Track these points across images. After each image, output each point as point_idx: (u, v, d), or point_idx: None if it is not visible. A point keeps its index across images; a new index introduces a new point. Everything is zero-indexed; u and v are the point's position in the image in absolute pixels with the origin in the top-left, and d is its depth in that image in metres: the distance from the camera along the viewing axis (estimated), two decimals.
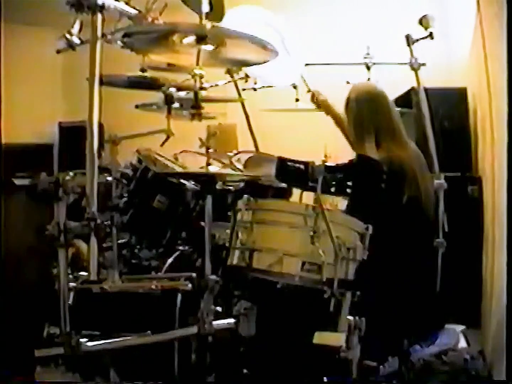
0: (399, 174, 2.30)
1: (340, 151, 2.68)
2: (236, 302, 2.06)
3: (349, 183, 1.92)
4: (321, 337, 1.80)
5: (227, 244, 1.99)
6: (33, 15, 4.18)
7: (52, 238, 1.63)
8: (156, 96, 2.45)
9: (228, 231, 1.99)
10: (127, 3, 1.83)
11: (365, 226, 1.92)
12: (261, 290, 2.02)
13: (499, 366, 2.07)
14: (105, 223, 1.68)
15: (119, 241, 2.18)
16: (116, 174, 2.24)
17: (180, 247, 2.37)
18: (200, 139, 2.06)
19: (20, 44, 4.29)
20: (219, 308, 1.92)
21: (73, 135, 4.06)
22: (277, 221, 1.87)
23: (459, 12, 3.36)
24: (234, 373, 1.98)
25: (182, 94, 2.38)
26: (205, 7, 1.90)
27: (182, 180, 2.39)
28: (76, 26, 1.71)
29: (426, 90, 2.58)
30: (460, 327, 2.58)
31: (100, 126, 1.67)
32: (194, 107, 2.05)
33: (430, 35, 2.45)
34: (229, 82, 3.06)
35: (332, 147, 2.22)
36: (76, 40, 1.72)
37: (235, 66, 2.68)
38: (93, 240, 1.63)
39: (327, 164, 1.90)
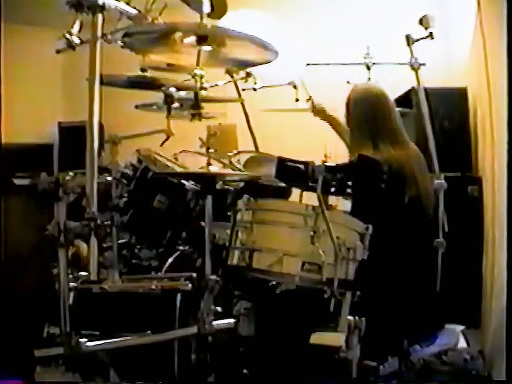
0: (399, 175, 2.30)
1: (340, 151, 2.68)
2: (236, 302, 2.06)
3: (349, 183, 1.92)
4: (321, 337, 1.80)
5: (227, 244, 1.99)
6: (33, 15, 4.18)
7: (52, 238, 1.63)
8: (156, 96, 2.45)
9: (228, 231, 1.98)
10: (127, 3, 1.83)
11: (365, 226, 1.92)
12: (261, 290, 2.02)
13: (499, 366, 2.07)
14: (105, 223, 1.68)
15: (119, 241, 2.17)
16: (116, 174, 2.24)
17: (180, 247, 2.37)
18: (201, 139, 2.06)
19: (20, 44, 4.29)
20: (219, 308, 1.92)
21: (73, 135, 4.06)
22: (277, 221, 1.87)
23: (459, 12, 3.36)
24: (234, 373, 1.98)
25: (182, 94, 2.38)
26: (206, 7, 1.90)
27: (182, 180, 2.39)
28: (76, 26, 1.71)
29: (426, 90, 2.58)
30: (460, 327, 2.58)
31: (100, 126, 1.67)
32: (194, 107, 2.06)
33: (430, 35, 2.45)
34: (229, 82, 3.06)
35: (332, 147, 2.23)
36: (76, 40, 1.72)
37: (235, 66, 2.68)
38: (93, 240, 1.63)
39: (327, 164, 1.89)
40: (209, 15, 1.90)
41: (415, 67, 2.51)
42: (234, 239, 1.93)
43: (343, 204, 2.40)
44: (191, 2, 2.13)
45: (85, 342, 1.67)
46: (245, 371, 1.97)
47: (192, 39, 1.92)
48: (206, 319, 1.86)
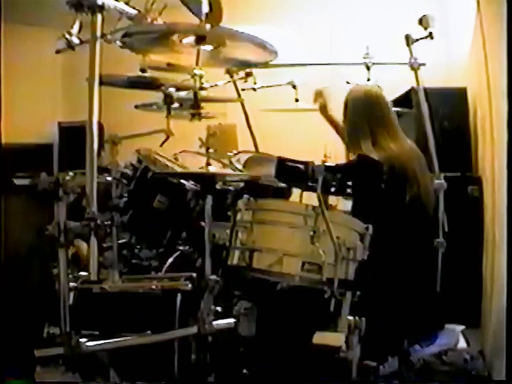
0: (399, 174, 2.29)
1: (340, 151, 2.68)
2: (236, 302, 2.06)
3: (349, 183, 1.92)
4: (321, 337, 1.80)
5: (227, 244, 1.99)
6: (33, 15, 4.18)
7: (52, 238, 1.63)
8: (156, 96, 2.45)
9: (228, 231, 1.98)
10: (126, 3, 1.83)
11: (365, 226, 1.91)
12: (261, 290, 2.02)
13: (499, 366, 2.08)
14: (105, 223, 1.68)
15: (119, 241, 2.17)
16: (116, 174, 2.24)
17: (180, 247, 2.37)
18: (201, 139, 2.06)
19: (20, 44, 4.29)
20: (219, 308, 1.92)
21: (73, 135, 4.05)
22: (277, 221, 1.87)
23: (459, 12, 3.36)
24: (234, 373, 1.98)
25: (182, 94, 2.38)
26: (205, 8, 1.90)
27: (182, 180, 2.39)
28: (76, 26, 1.71)
29: (426, 90, 2.58)
30: (460, 327, 2.58)
31: (100, 126, 1.67)
32: (194, 107, 2.06)
33: (430, 35, 2.45)
34: (229, 82, 3.06)
35: (332, 147, 2.23)
36: (76, 40, 1.72)
37: (235, 66, 2.69)
38: (93, 240, 1.63)
39: (327, 164, 1.89)
40: (207, 19, 1.90)
41: (415, 67, 2.51)
42: (234, 239, 1.93)
43: (343, 204, 2.40)
44: (190, 4, 2.13)
45: (85, 342, 1.67)
46: (245, 371, 1.97)
47: (191, 39, 1.92)
48: (206, 319, 1.86)
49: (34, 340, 1.96)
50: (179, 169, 2.48)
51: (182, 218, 2.37)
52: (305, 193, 2.09)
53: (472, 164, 3.13)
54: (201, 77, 1.97)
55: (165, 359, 1.98)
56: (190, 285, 2.00)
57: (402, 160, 2.34)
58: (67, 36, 1.71)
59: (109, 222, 1.81)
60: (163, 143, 2.18)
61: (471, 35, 3.01)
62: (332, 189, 1.87)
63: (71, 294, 1.82)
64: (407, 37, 2.48)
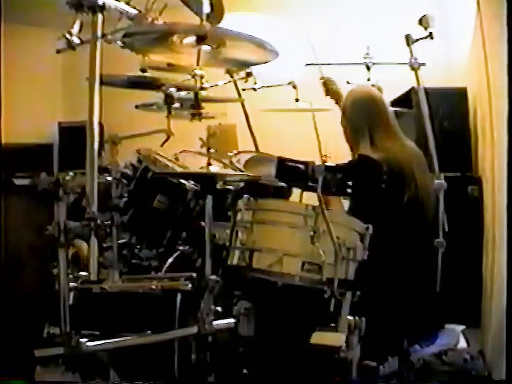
0: (398, 174, 2.30)
1: (340, 151, 2.68)
2: (236, 302, 2.06)
3: (349, 183, 1.92)
4: (321, 337, 1.80)
5: (227, 244, 1.99)
6: (33, 15, 4.17)
7: (52, 238, 1.63)
8: (156, 96, 2.45)
9: (228, 231, 1.98)
10: (127, 3, 1.83)
11: (365, 226, 1.92)
12: (261, 290, 2.02)
13: (499, 366, 2.08)
14: (105, 223, 1.68)
15: (119, 241, 2.17)
16: (116, 174, 2.24)
17: (180, 247, 2.37)
18: (201, 139, 2.06)
19: (20, 44, 4.29)
20: (219, 308, 1.92)
21: (73, 135, 4.05)
22: (277, 221, 1.87)
23: (459, 12, 3.36)
24: (234, 373, 1.98)
25: (182, 94, 2.38)
26: (206, 8, 1.90)
27: (182, 180, 2.39)
28: (76, 26, 1.71)
29: (426, 90, 2.58)
30: (460, 327, 2.58)
31: (100, 126, 1.67)
32: (194, 107, 2.06)
33: (430, 35, 2.45)
34: (229, 82, 3.06)
35: (332, 147, 2.23)
36: (76, 40, 1.71)
37: (235, 66, 2.68)
38: (93, 240, 1.63)
39: (327, 164, 1.90)
40: (208, 19, 1.90)
41: (415, 67, 2.50)
42: (234, 239, 1.93)
43: (343, 204, 2.40)
44: (191, 4, 2.13)
45: (85, 342, 1.67)
46: (245, 371, 1.97)
47: (192, 39, 1.92)
48: (206, 319, 1.86)
49: (34, 340, 1.96)
50: (179, 169, 2.49)
51: (182, 218, 2.37)
52: (305, 193, 2.10)
53: (472, 164, 3.12)
54: (201, 77, 1.97)
55: (165, 359, 1.98)
56: (190, 285, 2.00)
57: (399, 160, 2.34)
58: (68, 36, 1.70)
59: (109, 222, 1.81)
60: (163, 143, 2.18)
61: (471, 35, 3.01)
62: (332, 189, 1.88)
63: (71, 294, 1.82)
64: (407, 37, 2.48)
